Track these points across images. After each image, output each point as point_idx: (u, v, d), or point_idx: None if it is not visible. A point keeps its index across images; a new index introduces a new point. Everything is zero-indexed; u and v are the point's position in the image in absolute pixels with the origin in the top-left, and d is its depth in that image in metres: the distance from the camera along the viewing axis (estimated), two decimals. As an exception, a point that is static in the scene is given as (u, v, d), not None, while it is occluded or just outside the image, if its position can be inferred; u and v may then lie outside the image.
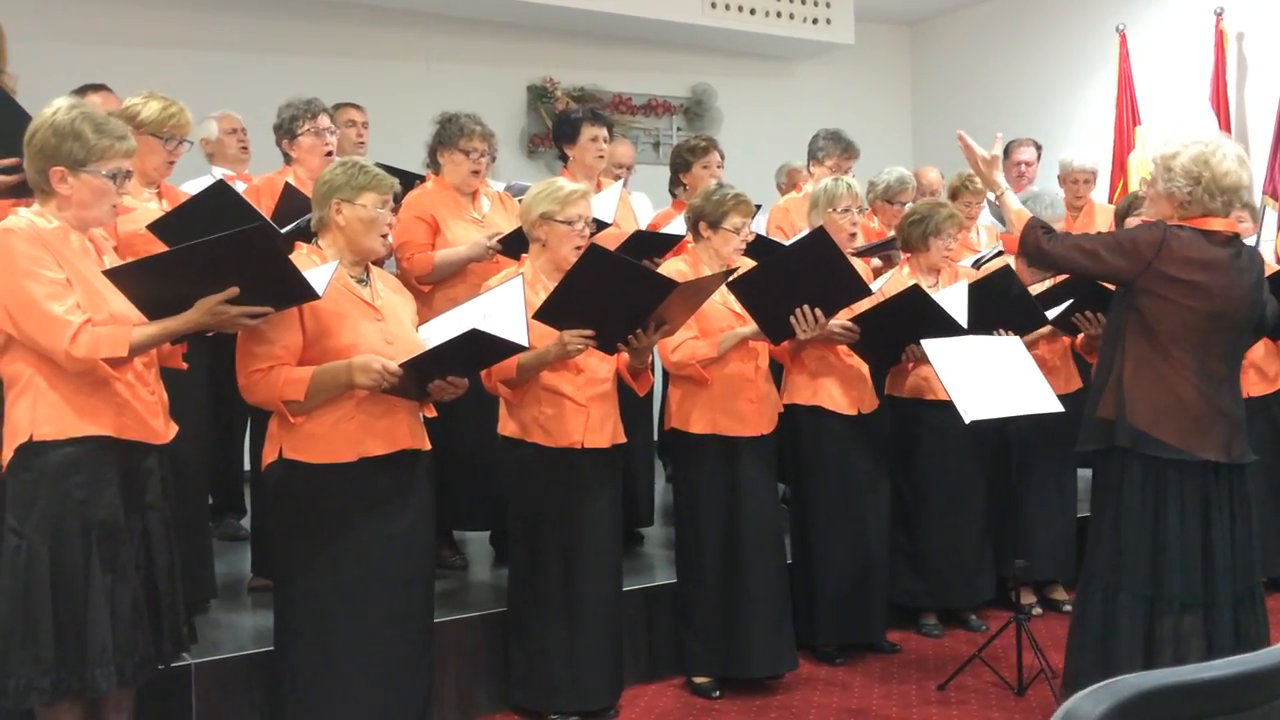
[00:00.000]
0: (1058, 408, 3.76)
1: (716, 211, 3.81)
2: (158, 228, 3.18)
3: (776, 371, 4.15)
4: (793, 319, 3.72)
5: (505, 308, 3.13)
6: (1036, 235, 3.24)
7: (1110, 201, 6.60)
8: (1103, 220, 5.64)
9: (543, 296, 3.42)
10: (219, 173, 4.94)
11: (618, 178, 5.00)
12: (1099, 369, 3.28)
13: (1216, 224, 3.10)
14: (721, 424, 3.81)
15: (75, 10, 6.71)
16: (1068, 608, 4.71)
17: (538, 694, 3.57)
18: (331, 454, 2.93)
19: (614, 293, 3.25)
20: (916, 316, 3.89)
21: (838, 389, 4.12)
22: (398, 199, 3.17)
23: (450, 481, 3.91)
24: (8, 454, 2.61)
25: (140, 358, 2.70)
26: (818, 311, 3.72)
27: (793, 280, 3.69)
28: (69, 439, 2.59)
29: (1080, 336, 4.42)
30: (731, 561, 3.82)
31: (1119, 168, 7.29)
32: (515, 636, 3.61)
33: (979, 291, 4.08)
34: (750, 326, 3.80)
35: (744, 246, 3.89)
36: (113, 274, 2.61)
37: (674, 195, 5.24)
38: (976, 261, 4.91)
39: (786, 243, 4.53)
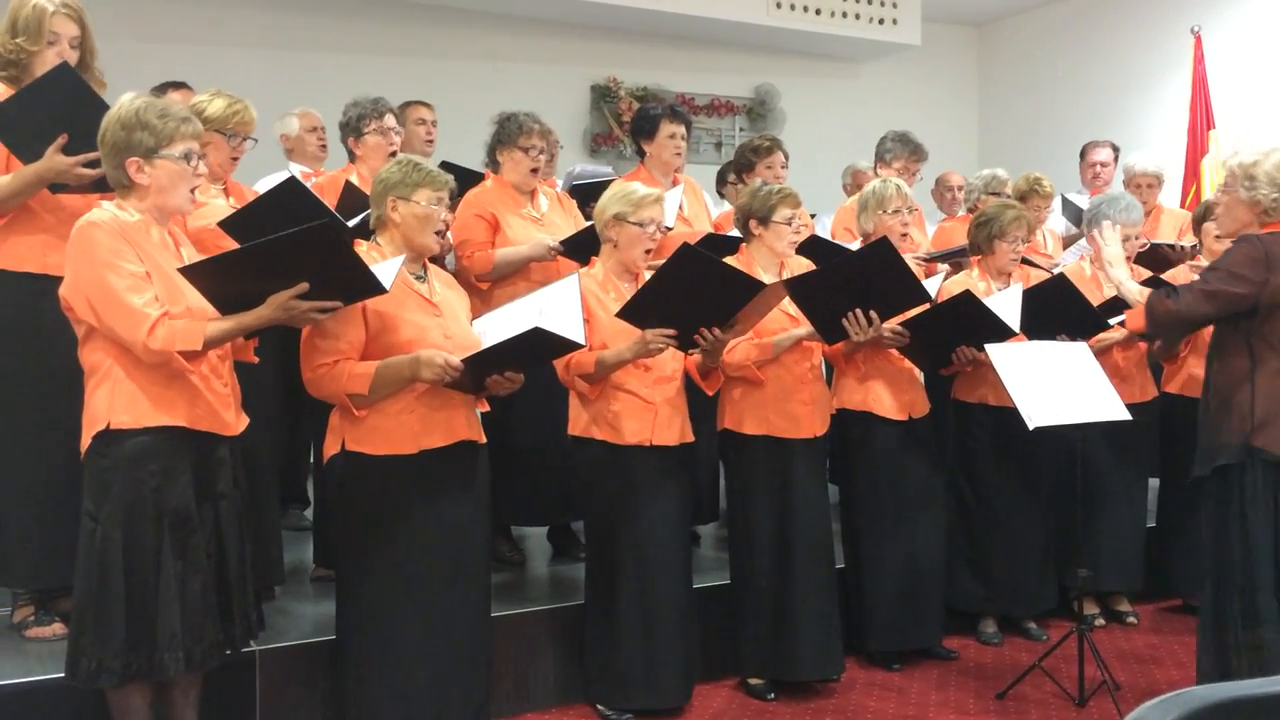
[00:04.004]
0: (1125, 416, 3.70)
1: (764, 207, 3.81)
2: (229, 225, 3.25)
3: (829, 373, 4.13)
4: (845, 321, 3.71)
5: (561, 305, 3.15)
6: (1163, 304, 3.25)
7: (1183, 206, 6.47)
8: (1169, 224, 5.53)
9: (613, 297, 3.48)
10: (295, 169, 5.03)
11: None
12: (1218, 393, 3.25)
13: None
14: (774, 425, 3.80)
15: (153, 11, 6.88)
16: (1131, 620, 4.64)
17: (611, 689, 3.59)
18: (392, 446, 2.98)
19: (700, 292, 3.28)
20: (969, 322, 3.86)
21: (888, 394, 4.08)
22: (453, 196, 3.21)
23: (509, 477, 3.94)
24: (86, 441, 2.69)
25: (215, 351, 2.76)
26: (872, 315, 3.71)
27: (852, 286, 3.68)
28: (144, 428, 2.65)
29: (1158, 343, 4.33)
30: (782, 563, 3.81)
31: (1192, 172, 7.14)
32: (591, 633, 3.63)
33: (1035, 299, 4.03)
34: (805, 327, 3.79)
35: (797, 239, 3.88)
36: (187, 271, 2.67)
37: (721, 195, 5.22)
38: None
39: (849, 245, 4.50)
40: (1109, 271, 3.58)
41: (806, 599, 3.80)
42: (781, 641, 3.80)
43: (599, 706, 3.61)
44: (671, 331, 3.35)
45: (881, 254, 3.66)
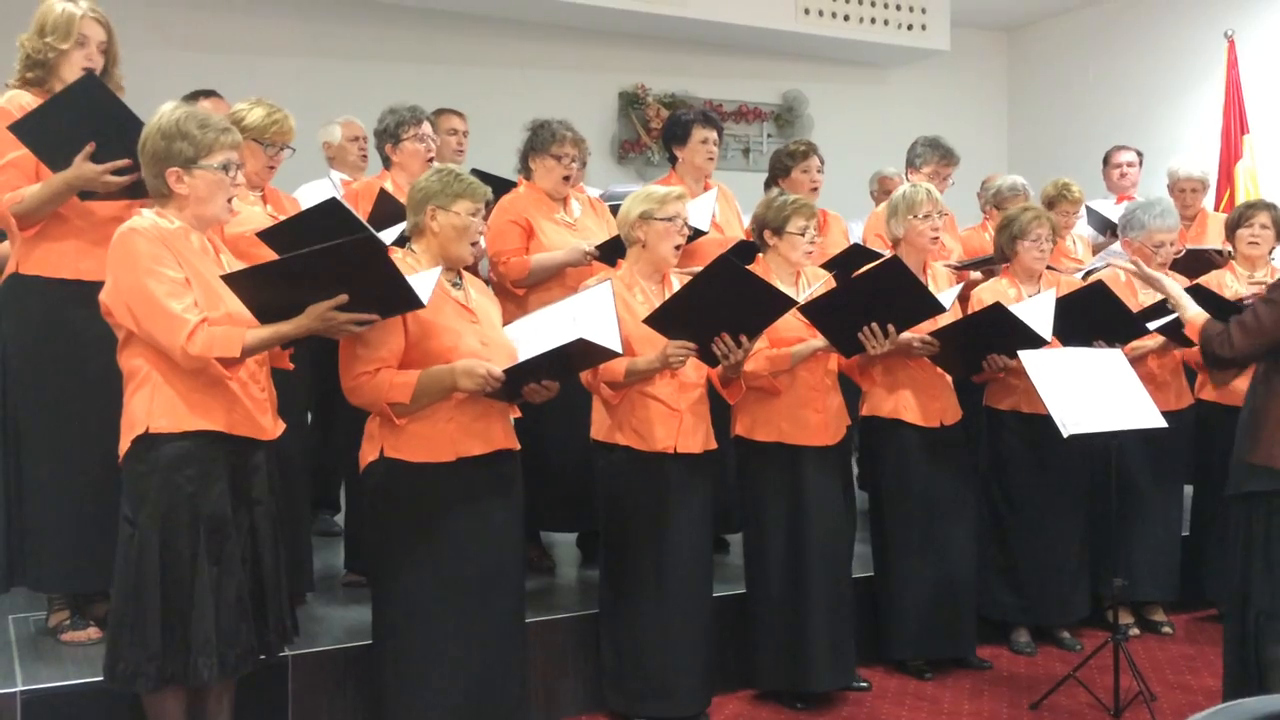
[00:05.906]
0: (1161, 423, 3.66)
1: (778, 217, 3.81)
2: (267, 236, 3.27)
3: (845, 383, 4.08)
4: (861, 336, 3.70)
5: (595, 313, 3.16)
6: (1212, 346, 3.25)
7: (1216, 211, 6.40)
8: (1215, 228, 5.47)
9: (640, 299, 3.49)
10: (336, 177, 5.05)
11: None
12: (1255, 414, 3.23)
13: None
14: (787, 433, 3.79)
15: (185, 19, 6.96)
16: (1166, 630, 4.59)
17: (629, 697, 3.58)
18: (432, 453, 2.99)
19: (730, 306, 3.29)
20: (1000, 331, 3.84)
21: (918, 400, 4.06)
22: (488, 206, 3.22)
23: (538, 484, 3.94)
24: (125, 445, 2.71)
25: (254, 356, 2.78)
26: (889, 328, 3.69)
27: (865, 302, 3.68)
28: (182, 433, 2.67)
29: (1195, 349, 4.28)
30: (795, 571, 3.78)
31: (1225, 177, 7.07)
32: (607, 638, 3.63)
33: (1073, 305, 4.00)
34: (822, 339, 3.78)
35: (812, 249, 3.88)
36: (229, 279, 2.69)
37: None
38: (1086, 274, 4.80)
39: (885, 251, 4.48)
40: (1180, 303, 3.50)
41: (819, 608, 3.77)
42: (796, 651, 3.77)
43: (625, 715, 3.60)
44: (693, 345, 3.35)
45: (892, 271, 3.67)
